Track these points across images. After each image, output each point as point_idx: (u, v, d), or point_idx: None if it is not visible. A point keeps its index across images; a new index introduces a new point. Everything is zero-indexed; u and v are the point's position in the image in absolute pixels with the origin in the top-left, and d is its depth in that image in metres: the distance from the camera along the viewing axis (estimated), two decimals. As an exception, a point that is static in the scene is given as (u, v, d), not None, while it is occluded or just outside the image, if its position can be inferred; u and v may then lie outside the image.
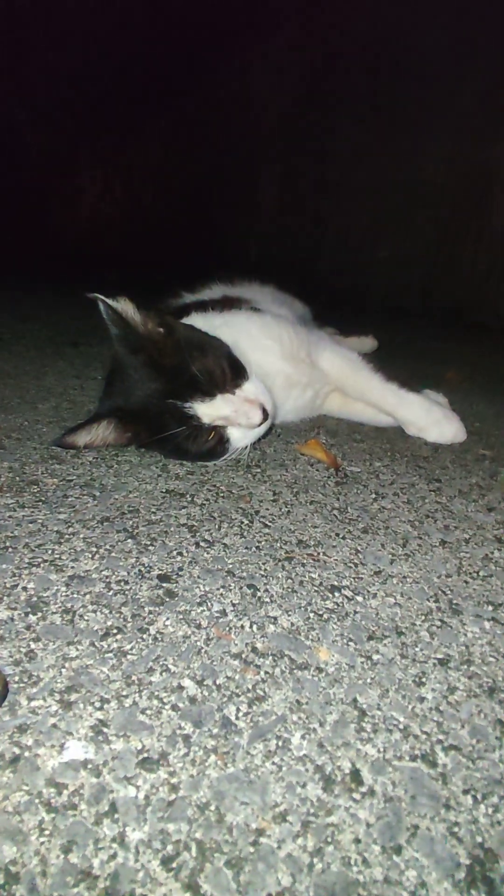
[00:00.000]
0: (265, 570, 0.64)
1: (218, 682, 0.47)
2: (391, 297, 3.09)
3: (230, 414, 0.80)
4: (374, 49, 2.97)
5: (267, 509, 0.78)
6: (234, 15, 3.51)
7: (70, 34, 4.25)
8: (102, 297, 0.77)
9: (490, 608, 0.61)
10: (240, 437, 0.85)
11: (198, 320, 0.96)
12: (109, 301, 0.77)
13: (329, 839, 0.36)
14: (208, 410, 0.80)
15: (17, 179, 4.74)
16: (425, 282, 3.00)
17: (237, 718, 0.44)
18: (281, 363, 1.00)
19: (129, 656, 0.49)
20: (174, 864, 0.34)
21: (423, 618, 0.58)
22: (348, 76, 3.13)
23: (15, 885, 0.33)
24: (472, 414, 1.31)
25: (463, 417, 1.14)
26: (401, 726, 0.45)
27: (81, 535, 0.67)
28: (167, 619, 0.55)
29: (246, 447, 0.86)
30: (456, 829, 0.37)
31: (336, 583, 0.63)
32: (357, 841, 0.36)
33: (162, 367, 0.80)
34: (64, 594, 0.57)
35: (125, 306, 0.79)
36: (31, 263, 4.03)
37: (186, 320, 0.96)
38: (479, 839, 0.37)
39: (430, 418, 1.06)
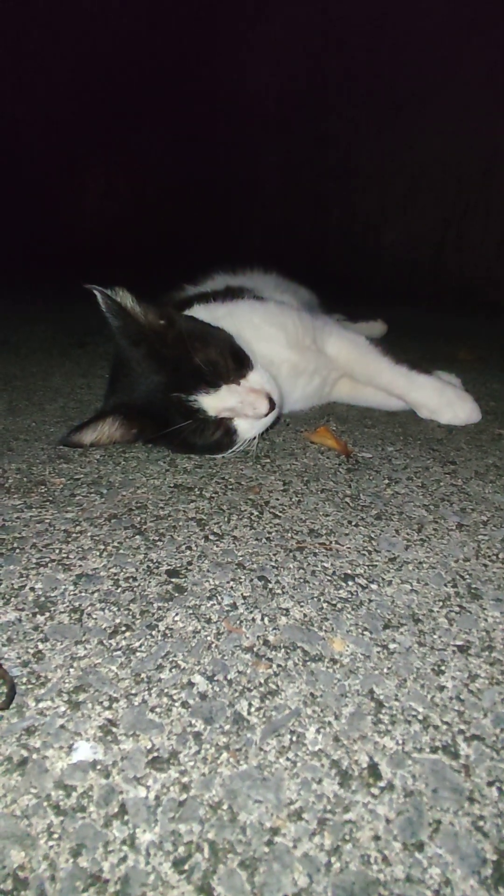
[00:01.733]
0: (276, 561, 0.62)
1: (229, 678, 0.46)
2: (400, 279, 3.03)
3: (236, 405, 0.79)
4: (374, 27, 2.90)
5: (277, 499, 0.76)
6: (231, 3, 3.46)
7: (68, 32, 4.24)
8: (100, 289, 0.76)
9: (511, 591, 0.58)
10: (247, 429, 0.83)
11: (201, 312, 0.95)
12: (107, 292, 0.76)
13: (347, 837, 0.35)
14: (213, 402, 0.78)
15: (19, 180, 4.75)
16: (434, 262, 2.94)
17: (249, 714, 0.43)
18: (286, 351, 0.98)
19: (137, 654, 0.48)
20: (186, 867, 0.33)
21: (441, 604, 0.56)
22: (347, 56, 3.06)
23: (24, 890, 0.32)
24: (487, 393, 1.28)
25: (477, 397, 1.11)
26: (420, 717, 0.43)
27: (89, 534, 0.66)
28: (176, 614, 0.53)
29: (254, 438, 0.85)
30: (481, 824, 0.36)
31: (349, 571, 0.61)
32: (376, 838, 0.35)
33: (164, 360, 0.79)
34: (72, 593, 0.56)
35: (123, 297, 0.78)
36: (37, 265, 4.05)
37: (189, 312, 0.95)
38: (505, 833, 0.35)
39: (443, 400, 1.03)
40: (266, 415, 0.80)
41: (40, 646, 0.49)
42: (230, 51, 3.60)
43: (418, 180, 2.92)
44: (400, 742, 0.41)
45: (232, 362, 0.80)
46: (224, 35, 3.57)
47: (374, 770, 0.39)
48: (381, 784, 0.38)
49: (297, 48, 3.29)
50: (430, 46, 2.70)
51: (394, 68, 2.86)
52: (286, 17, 3.29)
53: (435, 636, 0.52)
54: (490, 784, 0.38)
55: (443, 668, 0.48)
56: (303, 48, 3.26)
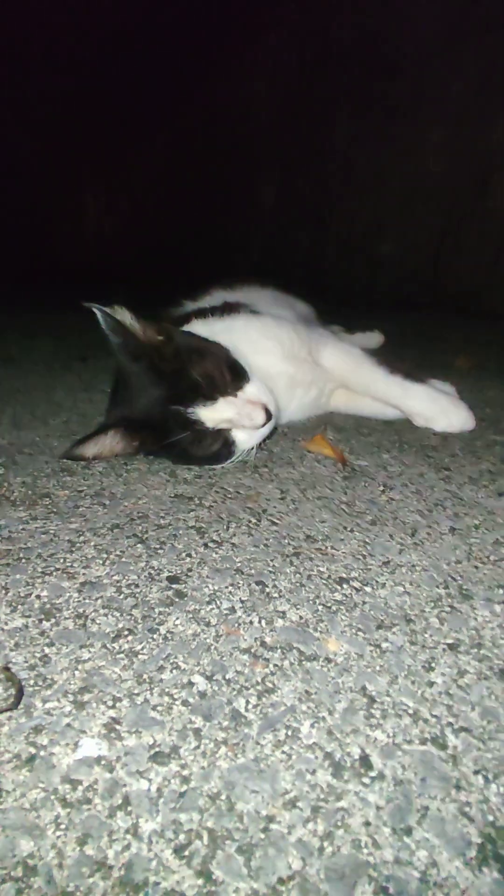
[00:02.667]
0: (273, 566, 0.64)
1: (227, 677, 0.48)
2: (398, 289, 3.07)
3: (233, 416, 0.81)
4: (368, 42, 2.97)
5: (275, 507, 0.78)
6: (227, 17, 3.55)
7: (66, 52, 4.33)
8: (99, 307, 0.79)
9: (501, 591, 0.60)
10: (245, 439, 0.86)
11: (198, 327, 0.97)
12: (106, 310, 0.79)
13: (339, 823, 0.37)
14: (211, 414, 0.81)
15: (19, 198, 4.84)
16: (432, 272, 2.98)
17: (247, 710, 0.45)
18: (283, 364, 1.00)
19: (140, 656, 0.51)
20: (187, 853, 0.35)
21: (433, 604, 0.58)
22: (341, 73, 3.13)
23: (33, 877, 0.34)
24: (483, 400, 1.30)
25: (473, 404, 1.13)
26: (410, 711, 0.45)
27: (92, 543, 0.69)
28: (177, 618, 0.56)
29: (252, 448, 0.87)
30: (467, 809, 0.37)
31: (344, 575, 0.63)
32: (367, 824, 0.36)
33: (163, 374, 0.82)
34: (76, 600, 0.58)
35: (122, 314, 0.81)
36: (38, 281, 4.11)
37: (187, 327, 0.98)
38: (490, 818, 0.37)
39: (437, 408, 1.05)
40: (263, 425, 0.82)
41: (46, 650, 0.51)
42: (227, 66, 3.68)
43: (415, 190, 2.97)
44: (391, 735, 0.43)
45: (229, 375, 0.83)
46: (220, 51, 3.65)
47: (365, 761, 0.41)
48: (373, 774, 0.40)
49: (292, 63, 3.36)
50: (423, 59, 2.76)
51: (388, 81, 2.92)
52: (281, 33, 3.37)
53: (426, 635, 0.53)
54: (476, 772, 0.40)
55: (433, 665, 0.50)
56: (299, 63, 3.33)
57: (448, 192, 2.82)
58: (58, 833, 0.36)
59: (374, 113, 3.02)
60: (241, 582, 0.61)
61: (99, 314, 0.80)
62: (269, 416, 0.82)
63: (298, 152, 3.48)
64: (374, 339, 1.81)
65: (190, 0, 3.62)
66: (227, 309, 1.07)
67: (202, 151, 4.09)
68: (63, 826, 0.36)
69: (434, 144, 2.82)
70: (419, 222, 2.98)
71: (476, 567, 0.65)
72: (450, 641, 0.53)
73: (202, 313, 1.06)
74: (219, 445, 0.85)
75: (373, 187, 3.14)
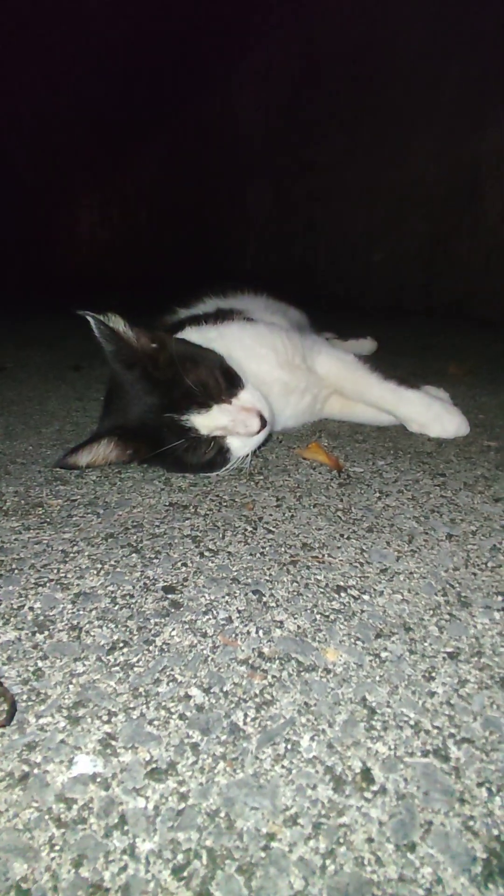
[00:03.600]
0: (270, 575, 0.64)
1: (225, 689, 0.47)
2: (390, 296, 3.09)
3: (228, 423, 0.81)
4: (355, 56, 3.01)
5: (270, 515, 0.78)
6: (216, 35, 3.59)
7: (61, 70, 4.36)
8: (92, 315, 0.78)
9: (500, 598, 0.60)
10: (240, 447, 0.85)
11: (192, 334, 0.97)
12: (100, 317, 0.78)
13: (341, 840, 0.36)
14: (205, 422, 0.80)
15: (15, 211, 4.85)
16: (423, 279, 3.00)
17: (245, 724, 0.44)
18: (277, 371, 1.00)
19: (135, 669, 0.49)
20: (185, 873, 0.34)
21: (432, 612, 0.57)
22: (331, 85, 3.17)
23: (26, 902, 0.33)
24: (476, 406, 1.30)
25: (467, 410, 1.13)
26: (411, 722, 0.44)
27: (86, 553, 0.68)
28: (173, 629, 0.55)
29: (247, 456, 0.87)
30: (471, 823, 0.37)
31: (342, 583, 0.62)
32: (370, 840, 0.36)
33: (157, 382, 0.81)
34: (70, 611, 0.57)
35: (116, 322, 0.80)
36: (32, 291, 4.11)
37: (181, 335, 0.97)
38: (495, 832, 0.36)
39: (431, 414, 1.05)
40: (257, 432, 0.82)
41: (40, 663, 0.50)
42: (217, 82, 3.71)
43: (405, 200, 3.00)
44: (392, 747, 0.42)
45: (223, 382, 0.83)
46: (211, 67, 3.68)
47: (367, 775, 0.40)
48: (374, 788, 0.39)
49: (282, 79, 3.40)
50: (410, 73, 2.80)
51: (377, 95, 2.95)
52: (270, 50, 3.40)
53: (426, 644, 0.53)
54: (480, 785, 0.39)
55: (433, 674, 0.49)
56: (288, 78, 3.36)
57: (438, 201, 2.85)
58: (52, 854, 0.35)
59: (363, 125, 3.05)
60: (237, 591, 0.61)
61: (92, 322, 0.80)
62: (263, 423, 0.82)
63: (290, 164, 3.51)
64: (368, 345, 1.81)
65: (180, 19, 3.66)
66: (221, 316, 1.07)
67: (194, 164, 4.11)
68: (58, 847, 0.35)
69: (424, 154, 2.85)
70: (410, 231, 3.01)
71: (474, 574, 0.64)
72: (449, 650, 0.52)
73: (196, 320, 1.06)
74: (213, 453, 0.84)
75: (364, 197, 3.17)
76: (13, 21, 4.07)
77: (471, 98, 2.62)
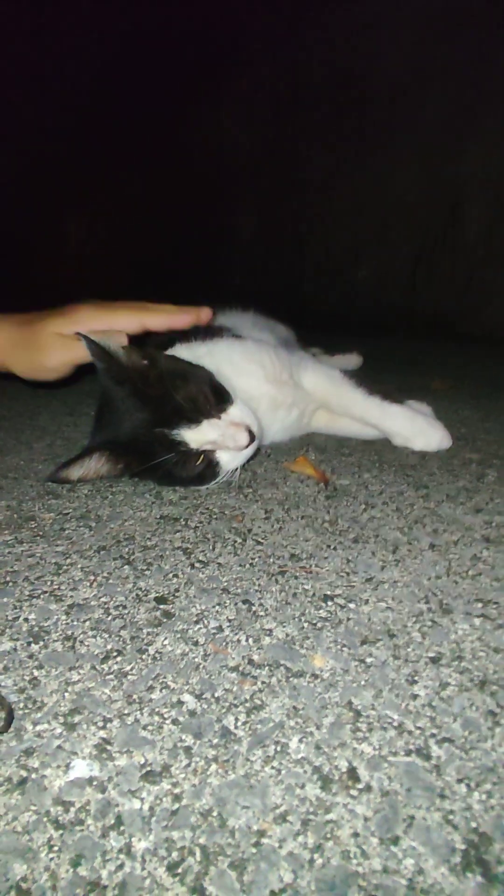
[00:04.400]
0: (259, 585, 0.66)
1: (216, 695, 0.49)
2: (375, 313, 3.15)
3: (217, 438, 0.83)
4: (337, 81, 3.10)
5: (259, 527, 0.80)
6: (203, 60, 3.68)
7: (47, 89, 4.43)
8: (84, 333, 0.81)
9: (479, 605, 0.62)
10: (229, 461, 0.87)
11: (182, 351, 1.00)
12: (92, 336, 0.81)
13: (328, 835, 0.37)
14: (195, 436, 0.83)
15: (0, 225, 4.87)
16: (407, 296, 3.07)
17: (236, 728, 0.46)
18: (265, 386, 1.03)
19: (129, 677, 0.51)
20: (179, 870, 0.35)
21: (415, 619, 0.60)
22: (315, 108, 3.26)
23: (27, 900, 0.34)
24: (459, 420, 1.34)
25: (450, 424, 1.17)
26: (395, 724, 0.46)
27: (79, 565, 0.69)
28: (165, 638, 0.56)
29: (236, 469, 0.89)
30: (451, 817, 0.39)
31: (329, 592, 0.64)
32: (355, 835, 0.37)
33: (147, 397, 0.83)
34: (64, 622, 0.58)
35: (107, 340, 0.83)
36: (19, 307, 4.12)
37: (171, 351, 1.00)
38: (473, 825, 0.38)
39: (415, 428, 1.09)
40: (246, 446, 0.84)
41: (36, 673, 0.51)
42: (205, 105, 3.79)
43: (388, 220, 3.08)
44: (377, 747, 0.44)
45: (212, 398, 0.85)
46: (199, 91, 3.77)
47: (352, 774, 0.42)
48: (360, 786, 0.41)
49: (267, 102, 3.49)
50: (392, 98, 2.89)
51: (360, 118, 3.04)
52: (256, 75, 3.50)
53: (409, 649, 0.55)
54: (459, 781, 0.41)
55: (416, 678, 0.51)
56: (272, 99, 3.45)
57: (421, 221, 2.94)
58: (51, 855, 0.36)
59: (347, 147, 3.14)
60: (227, 601, 0.62)
61: (84, 341, 0.82)
62: (252, 437, 0.84)
63: (275, 184, 3.59)
64: (354, 360, 1.86)
65: (168, 42, 3.74)
66: (210, 333, 1.10)
67: (181, 182, 4.18)
68: (56, 848, 0.37)
69: (406, 176, 2.94)
70: (394, 250, 3.09)
71: (455, 582, 0.67)
72: (432, 655, 0.54)
73: (186, 337, 1.08)
74: (203, 467, 0.86)
75: (348, 217, 3.25)
76: (1, 46, 4.15)
77: (450, 124, 2.72)
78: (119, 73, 4.06)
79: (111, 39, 3.99)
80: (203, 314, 0.97)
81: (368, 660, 0.53)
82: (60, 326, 0.89)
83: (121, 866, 0.36)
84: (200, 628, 0.58)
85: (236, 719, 0.46)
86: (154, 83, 3.96)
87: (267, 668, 0.52)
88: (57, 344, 0.91)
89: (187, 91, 3.82)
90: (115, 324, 0.90)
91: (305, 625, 0.58)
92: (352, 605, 0.62)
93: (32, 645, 0.55)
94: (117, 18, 3.88)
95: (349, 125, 3.10)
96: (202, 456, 0.85)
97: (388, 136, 2.95)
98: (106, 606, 0.61)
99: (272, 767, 0.42)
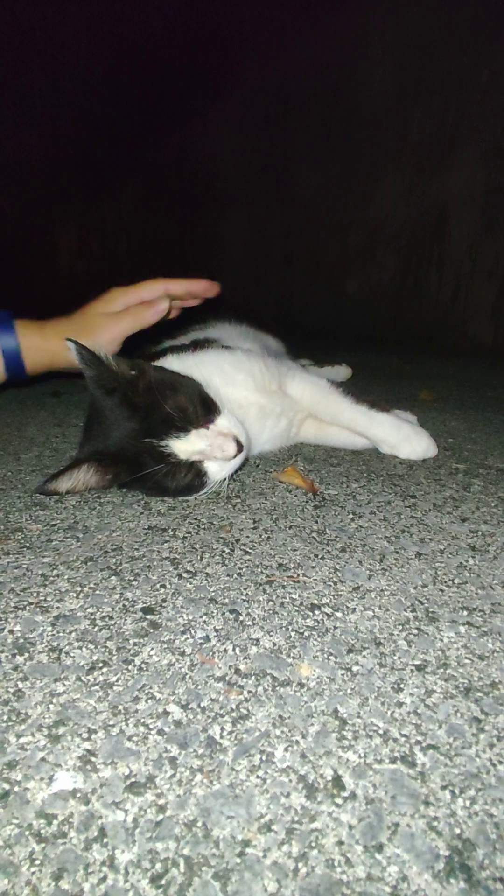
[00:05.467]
0: (247, 594, 0.66)
1: (202, 705, 0.49)
2: (363, 327, 3.19)
3: (205, 448, 0.83)
4: (325, 99, 3.17)
5: (247, 537, 0.80)
6: (193, 77, 3.74)
7: (40, 104, 4.48)
8: (74, 341, 0.81)
9: (465, 613, 0.63)
10: (217, 471, 0.88)
11: (173, 362, 1.00)
12: (81, 343, 0.82)
13: (313, 844, 0.37)
14: (184, 446, 0.83)
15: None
16: (394, 310, 3.11)
17: (222, 737, 0.45)
18: (254, 395, 1.04)
19: (115, 687, 0.51)
20: (163, 882, 0.35)
21: (401, 627, 0.60)
22: (304, 125, 3.32)
23: (7, 915, 0.33)
24: (446, 431, 1.36)
25: (437, 434, 1.18)
26: (380, 731, 0.46)
27: (66, 576, 0.69)
28: (152, 649, 0.56)
29: (224, 479, 0.89)
30: (435, 824, 0.39)
31: (316, 601, 0.65)
32: (340, 843, 0.37)
33: (136, 407, 0.84)
34: (50, 634, 0.58)
35: (97, 349, 0.83)
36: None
37: (162, 362, 1.01)
38: (457, 831, 0.38)
39: (401, 436, 1.10)
40: (234, 456, 0.84)
41: (20, 685, 0.51)
42: (196, 122, 3.85)
43: (376, 235, 3.13)
44: (362, 755, 0.44)
45: (200, 408, 0.86)
46: (189, 109, 3.83)
47: (338, 782, 0.42)
48: (345, 794, 0.41)
49: (257, 119, 3.55)
50: (378, 117, 2.95)
51: (347, 136, 3.10)
52: (246, 93, 3.56)
53: (395, 657, 0.55)
54: (444, 788, 0.41)
55: (402, 686, 0.51)
56: (262, 117, 3.52)
57: (407, 237, 2.99)
58: (32, 869, 0.36)
59: (335, 164, 3.20)
60: (215, 611, 0.62)
61: (74, 347, 0.83)
62: (240, 447, 0.85)
63: (265, 200, 3.64)
64: (343, 372, 1.88)
65: (158, 63, 3.81)
66: (201, 344, 1.11)
67: (172, 197, 4.23)
68: (38, 861, 0.36)
69: (393, 193, 2.99)
70: (381, 264, 3.13)
71: (441, 590, 0.67)
72: (417, 663, 0.54)
73: (177, 349, 1.09)
74: (191, 477, 0.86)
75: (337, 231, 3.30)
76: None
77: (435, 143, 2.78)
78: (110, 90, 4.12)
79: (104, 58, 4.06)
80: (215, 285, 1.16)
81: (355, 668, 0.54)
82: (99, 308, 1.06)
83: (103, 879, 0.35)
84: (187, 638, 0.58)
85: (222, 729, 0.46)
86: (145, 101, 4.02)
87: (253, 677, 0.52)
88: (104, 322, 1.10)
89: (178, 108, 3.88)
90: (143, 294, 1.09)
91: (292, 634, 0.59)
92: (339, 614, 0.62)
93: (17, 657, 0.54)
94: (111, 37, 3.95)
95: (337, 142, 3.16)
96: (191, 466, 0.85)
97: (375, 155, 3.01)
98: (92, 617, 0.61)
99: (257, 777, 0.42)
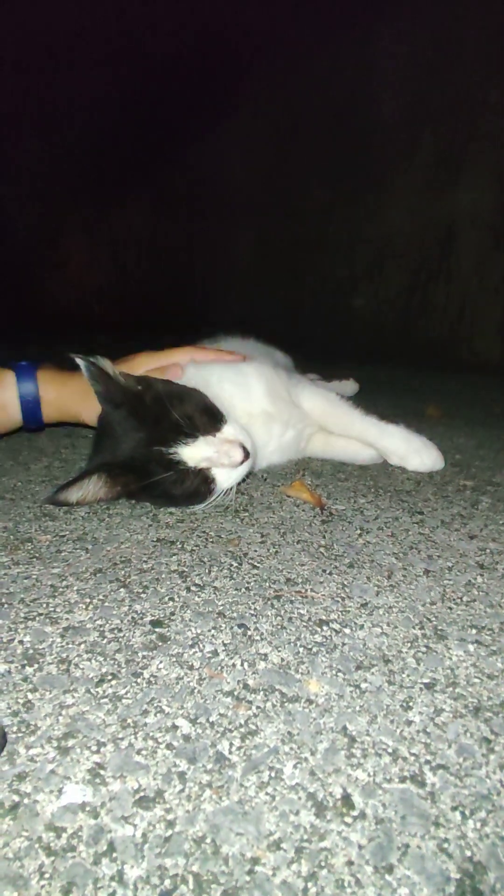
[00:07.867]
0: (255, 609, 0.66)
1: (211, 720, 0.49)
2: (370, 341, 3.20)
3: (212, 455, 0.84)
4: (335, 117, 3.21)
5: (255, 551, 0.80)
6: (205, 93, 3.82)
7: (54, 120, 4.57)
8: (82, 356, 0.83)
9: (474, 631, 0.63)
10: (224, 478, 0.88)
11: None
12: (90, 359, 0.83)
13: (322, 863, 0.37)
14: (192, 453, 0.84)
15: (3, 253, 4.97)
16: (402, 325, 3.13)
17: (230, 753, 0.45)
18: (262, 400, 1.04)
19: (123, 700, 0.51)
20: (172, 898, 0.35)
21: (409, 645, 0.60)
22: (313, 142, 3.36)
23: (16, 929, 0.33)
24: (454, 447, 1.36)
25: (444, 451, 1.18)
26: (390, 750, 0.46)
27: (75, 588, 0.69)
28: (160, 662, 0.56)
29: (231, 488, 0.90)
30: (446, 846, 0.38)
31: (324, 617, 0.65)
32: (350, 863, 0.37)
33: (144, 418, 0.85)
34: (59, 645, 0.58)
35: (105, 364, 0.85)
36: (20, 334, 4.16)
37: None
38: (468, 853, 0.38)
39: (411, 447, 1.11)
40: (241, 463, 0.85)
41: (30, 696, 0.51)
42: (207, 138, 3.92)
43: (384, 251, 3.15)
44: (371, 774, 0.44)
45: (207, 417, 0.87)
46: (201, 125, 3.90)
47: (347, 801, 0.42)
48: (354, 813, 0.41)
49: (267, 136, 3.60)
50: (387, 136, 3.00)
51: (356, 154, 3.15)
52: (256, 110, 3.62)
53: (403, 675, 0.55)
54: (454, 809, 0.41)
55: (411, 704, 0.51)
56: (273, 135, 3.57)
57: (415, 253, 3.01)
58: (42, 882, 0.36)
59: (344, 181, 3.24)
60: (223, 625, 0.62)
61: (83, 364, 0.84)
62: (246, 454, 0.85)
63: (274, 216, 3.68)
64: (350, 386, 1.88)
65: (171, 80, 3.89)
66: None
67: (183, 211, 4.29)
68: (47, 875, 0.36)
69: (401, 210, 3.03)
70: (388, 280, 3.16)
71: (450, 608, 0.67)
72: (426, 681, 0.54)
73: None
74: (199, 483, 0.87)
75: (345, 247, 3.33)
76: (9, 74, 4.29)
77: (443, 160, 2.81)
78: (123, 107, 4.20)
79: (118, 74, 4.14)
80: (239, 356, 1.09)
81: (363, 685, 0.53)
82: (122, 368, 0.97)
83: (112, 894, 0.35)
84: (196, 652, 0.58)
85: (231, 744, 0.46)
86: (156, 117, 4.09)
87: (262, 692, 0.52)
88: None
89: (189, 124, 3.94)
90: (168, 363, 1.02)
91: (301, 650, 0.59)
92: (347, 631, 0.62)
93: (27, 668, 0.55)
94: (124, 54, 4.04)
95: (345, 160, 3.20)
96: (198, 473, 0.86)
97: (383, 173, 3.05)
98: (101, 629, 0.61)
99: (266, 793, 0.42)
